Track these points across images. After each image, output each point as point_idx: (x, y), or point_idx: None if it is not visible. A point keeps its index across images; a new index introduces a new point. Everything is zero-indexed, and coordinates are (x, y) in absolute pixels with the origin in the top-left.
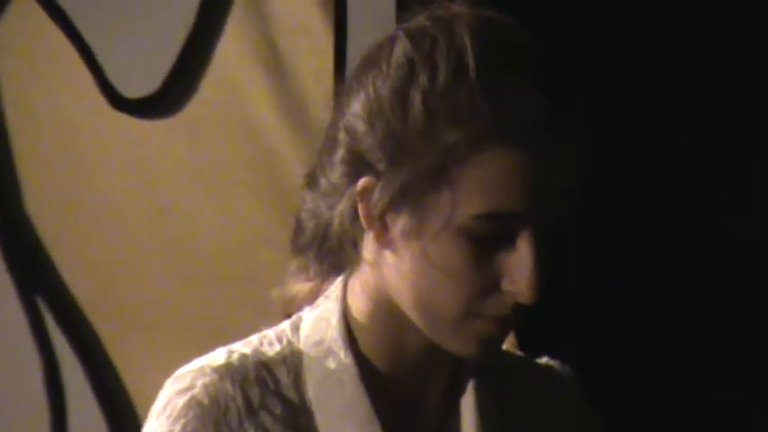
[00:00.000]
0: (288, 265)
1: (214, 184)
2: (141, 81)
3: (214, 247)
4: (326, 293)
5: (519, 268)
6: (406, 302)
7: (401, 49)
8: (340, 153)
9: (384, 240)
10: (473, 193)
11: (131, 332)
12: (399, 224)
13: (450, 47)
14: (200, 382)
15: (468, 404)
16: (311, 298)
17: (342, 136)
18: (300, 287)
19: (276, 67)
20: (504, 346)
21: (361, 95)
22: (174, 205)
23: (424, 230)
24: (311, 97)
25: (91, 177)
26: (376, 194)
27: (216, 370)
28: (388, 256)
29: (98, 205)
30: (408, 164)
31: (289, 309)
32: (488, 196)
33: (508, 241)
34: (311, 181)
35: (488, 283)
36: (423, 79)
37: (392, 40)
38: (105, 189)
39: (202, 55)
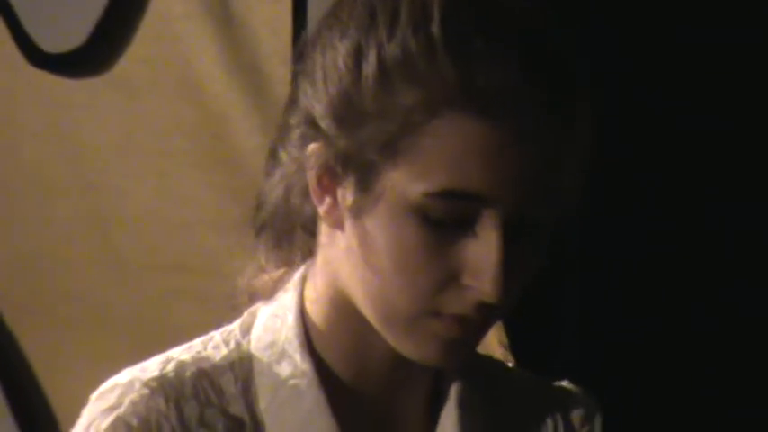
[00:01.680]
0: (240, 250)
1: (150, 154)
2: (64, 33)
3: (150, 229)
4: (286, 286)
5: (481, 260)
6: (356, 295)
7: None
8: (297, 116)
9: (333, 219)
10: (428, 167)
11: (51, 328)
12: (348, 199)
13: None
14: (127, 400)
15: (449, 421)
16: (272, 290)
17: (300, 96)
18: (265, 277)
19: (223, 15)
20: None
21: (319, 49)
22: (102, 180)
23: (372, 207)
24: (265, 51)
25: (5, 146)
26: (314, 160)
27: (147, 384)
28: (338, 238)
29: (13, 179)
30: (356, 128)
31: (251, 302)
32: (445, 172)
33: (472, 228)
34: (272, 149)
35: (446, 276)
36: (381, 31)
37: None
38: (22, 160)
39: (136, 2)
